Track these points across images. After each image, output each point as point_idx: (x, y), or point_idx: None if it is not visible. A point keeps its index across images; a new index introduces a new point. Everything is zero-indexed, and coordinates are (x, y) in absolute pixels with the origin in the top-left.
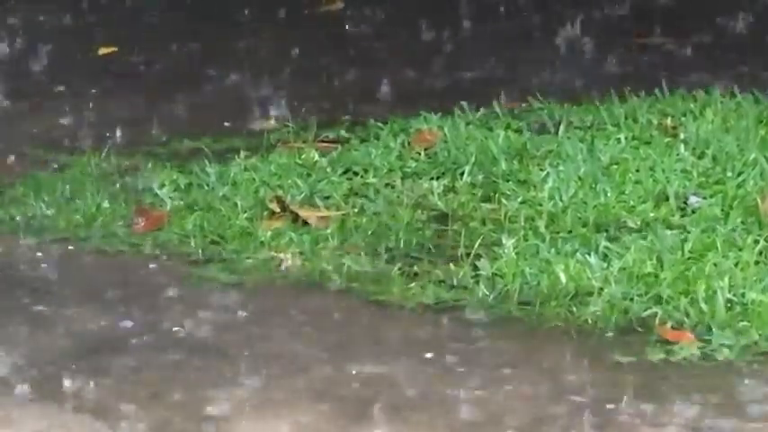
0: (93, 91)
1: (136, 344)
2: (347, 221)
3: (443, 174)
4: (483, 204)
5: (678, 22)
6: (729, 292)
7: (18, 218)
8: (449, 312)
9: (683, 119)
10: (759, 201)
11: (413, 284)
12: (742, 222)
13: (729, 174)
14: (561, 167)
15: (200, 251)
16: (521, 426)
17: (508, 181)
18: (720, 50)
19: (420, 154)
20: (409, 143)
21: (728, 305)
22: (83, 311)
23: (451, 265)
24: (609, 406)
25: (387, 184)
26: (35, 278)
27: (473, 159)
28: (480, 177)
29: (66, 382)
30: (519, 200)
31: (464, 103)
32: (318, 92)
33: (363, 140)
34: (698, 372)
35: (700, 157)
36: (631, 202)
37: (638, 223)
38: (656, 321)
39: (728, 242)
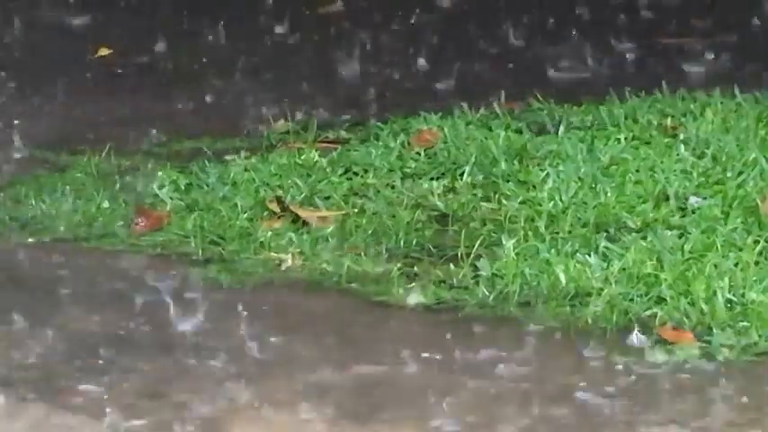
0: (93, 91)
1: (136, 344)
2: (347, 221)
3: (443, 174)
4: (483, 204)
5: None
6: (729, 292)
7: (18, 218)
8: (449, 312)
9: (682, 119)
10: (759, 201)
11: (413, 284)
12: (742, 223)
13: (729, 174)
14: (561, 167)
15: (200, 251)
16: (521, 426)
17: (508, 181)
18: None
19: (420, 154)
20: (409, 143)
21: (728, 305)
22: (82, 311)
23: (451, 265)
24: (609, 406)
25: (387, 184)
26: (35, 278)
27: (473, 159)
28: (480, 177)
29: (66, 382)
30: (519, 200)
31: (464, 104)
32: (318, 92)
33: (363, 140)
34: (698, 372)
35: (700, 157)
36: (631, 203)
37: (638, 223)
38: (656, 321)
39: (728, 242)
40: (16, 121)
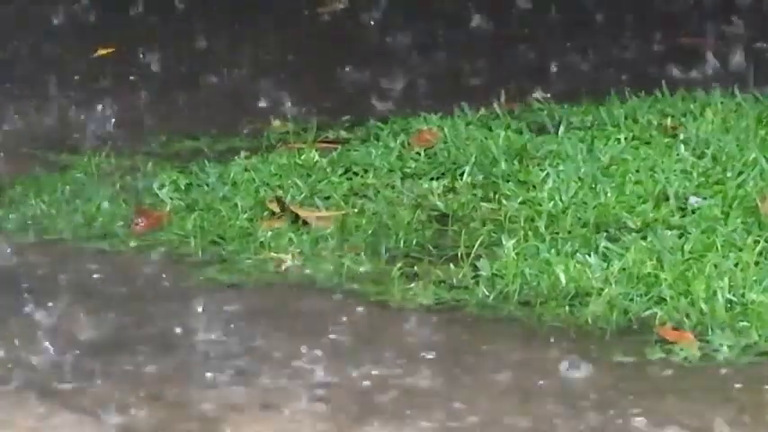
0: (93, 91)
1: (136, 344)
2: (347, 221)
3: (443, 174)
4: (483, 204)
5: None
6: (729, 292)
7: (18, 218)
8: (449, 312)
9: (682, 119)
10: (759, 201)
11: (413, 284)
12: (742, 223)
13: (729, 174)
14: (561, 167)
15: (200, 251)
16: (521, 426)
17: (508, 181)
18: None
19: (420, 154)
20: (409, 143)
21: (728, 305)
22: (82, 311)
23: (451, 265)
24: (609, 406)
25: (387, 184)
26: (35, 278)
27: (473, 159)
28: (480, 177)
29: (67, 382)
30: (519, 200)
31: (464, 103)
32: (318, 92)
33: (363, 140)
34: (698, 372)
35: (700, 157)
36: (631, 203)
37: (638, 223)
38: (656, 321)
39: (728, 242)
40: (17, 121)
